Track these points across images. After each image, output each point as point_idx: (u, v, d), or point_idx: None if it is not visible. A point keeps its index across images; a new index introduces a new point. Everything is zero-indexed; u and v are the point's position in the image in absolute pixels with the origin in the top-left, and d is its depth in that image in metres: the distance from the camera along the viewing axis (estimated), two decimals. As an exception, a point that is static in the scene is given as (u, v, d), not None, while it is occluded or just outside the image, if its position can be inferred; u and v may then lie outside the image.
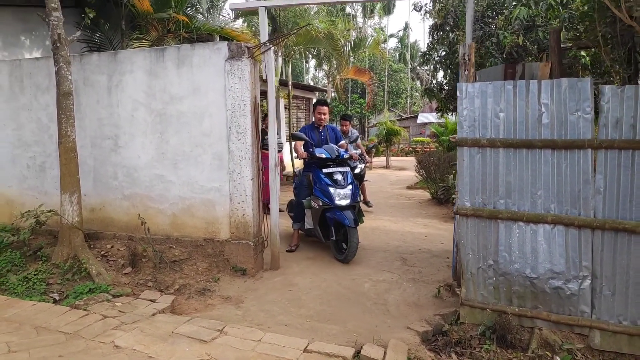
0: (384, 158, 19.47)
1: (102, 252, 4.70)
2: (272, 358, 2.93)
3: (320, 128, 5.70)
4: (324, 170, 5.18)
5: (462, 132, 3.47)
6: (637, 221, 3.08)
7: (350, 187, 5.11)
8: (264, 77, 4.55)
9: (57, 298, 3.90)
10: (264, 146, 7.31)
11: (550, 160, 3.28)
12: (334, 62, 12.88)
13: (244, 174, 4.46)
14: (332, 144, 5.47)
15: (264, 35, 4.40)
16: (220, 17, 9.07)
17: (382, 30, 40.82)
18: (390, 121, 19.58)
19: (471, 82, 3.44)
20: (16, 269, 4.41)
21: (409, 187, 11.93)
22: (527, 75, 3.58)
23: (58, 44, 4.28)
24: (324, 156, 5.24)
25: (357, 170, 7.01)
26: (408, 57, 42.58)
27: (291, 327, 3.48)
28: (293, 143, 5.98)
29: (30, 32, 6.37)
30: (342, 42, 11.59)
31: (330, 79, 13.92)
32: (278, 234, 4.78)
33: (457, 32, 6.93)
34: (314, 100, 15.41)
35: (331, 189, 5.01)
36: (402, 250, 5.68)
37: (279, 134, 8.20)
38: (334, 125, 9.14)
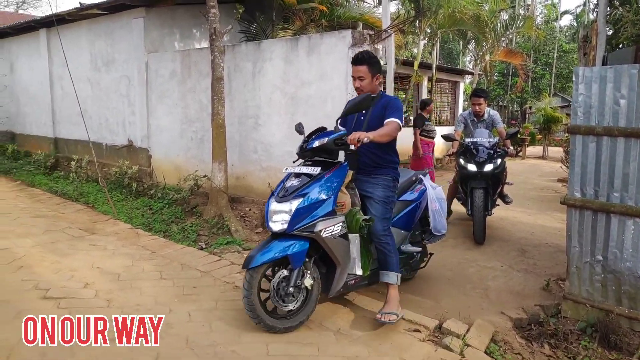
0: (541, 147, 17.88)
1: (242, 214, 5.56)
2: (359, 316, 3.29)
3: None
4: (285, 169, 3.32)
5: (575, 119, 3.28)
6: None
7: (297, 202, 2.94)
8: (383, 63, 4.78)
9: (203, 246, 4.80)
10: (426, 132, 7.40)
11: (680, 152, 2.94)
12: (484, 44, 12.30)
13: (360, 153, 4.81)
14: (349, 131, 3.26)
15: (386, 22, 4.65)
16: (365, 4, 9.41)
17: (554, 7, 36.63)
18: (551, 107, 17.80)
19: (590, 66, 3.22)
20: (177, 220, 5.51)
21: (560, 180, 10.94)
22: (662, 57, 3.20)
23: (214, 36, 5.14)
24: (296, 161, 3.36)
25: (488, 168, 5.17)
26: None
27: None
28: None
29: (200, 26, 7.60)
30: (491, 23, 10.96)
31: (478, 62, 13.31)
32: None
33: (622, 9, 6.16)
34: (462, 84, 14.95)
35: (270, 201, 3.11)
36: (525, 242, 5.45)
37: (429, 120, 8.05)
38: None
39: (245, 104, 5.82)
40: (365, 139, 2.97)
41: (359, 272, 3.23)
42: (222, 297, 3.43)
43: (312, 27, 7.44)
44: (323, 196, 3.02)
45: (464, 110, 13.38)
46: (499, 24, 12.53)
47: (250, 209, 5.65)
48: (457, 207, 6.08)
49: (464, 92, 15.25)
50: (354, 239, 3.21)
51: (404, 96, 13.93)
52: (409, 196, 3.72)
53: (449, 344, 2.92)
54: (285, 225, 2.95)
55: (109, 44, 7.76)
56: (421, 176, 3.95)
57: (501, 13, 13.35)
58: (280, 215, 2.99)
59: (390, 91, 4.96)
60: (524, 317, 3.48)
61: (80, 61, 8.15)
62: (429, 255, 4.13)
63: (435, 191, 3.86)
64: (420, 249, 3.86)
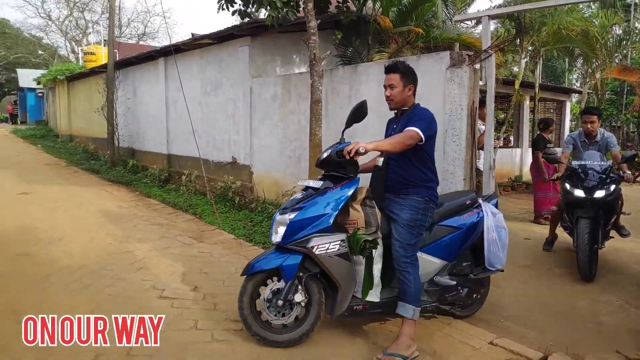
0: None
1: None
2: (456, 341, 3.21)
3: (397, 116, 3.33)
4: (300, 182, 3.43)
5: None
6: None
7: (293, 215, 2.97)
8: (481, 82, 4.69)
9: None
10: (547, 155, 6.92)
11: None
12: (594, 61, 11.44)
13: (456, 174, 4.73)
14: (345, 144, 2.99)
15: (486, 43, 4.57)
16: (462, 24, 9.26)
17: (679, 17, 32.96)
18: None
19: None
20: (275, 234, 5.79)
21: (689, 209, 9.71)
22: None
23: (313, 62, 5.41)
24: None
25: (598, 194, 4.61)
26: None
27: (483, 322, 3.61)
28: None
29: (300, 52, 8.02)
30: (602, 39, 10.19)
31: (587, 80, 12.37)
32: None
33: None
34: (568, 104, 13.96)
35: (276, 213, 3.16)
36: (645, 276, 4.92)
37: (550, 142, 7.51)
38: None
39: (341, 125, 5.95)
40: (361, 148, 2.78)
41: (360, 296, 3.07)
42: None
43: (407, 50, 7.49)
44: (320, 211, 2.95)
45: (571, 131, 12.48)
46: (611, 39, 11.58)
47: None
48: (564, 234, 5.67)
49: (571, 111, 14.23)
50: (359, 260, 3.04)
51: (503, 116, 13.35)
52: (453, 222, 3.34)
53: (555, 378, 2.74)
54: (278, 238, 2.98)
55: (217, 70, 8.47)
56: (480, 200, 3.53)
57: (614, 28, 12.35)
58: (280, 228, 2.99)
59: (490, 112, 4.83)
60: (643, 358, 3.16)
61: (192, 86, 8.98)
62: (484, 290, 3.65)
63: (495, 218, 3.41)
64: (454, 282, 3.33)
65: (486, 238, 3.32)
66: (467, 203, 3.44)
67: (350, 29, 8.11)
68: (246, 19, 6.75)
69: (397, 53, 7.33)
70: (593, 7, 13.99)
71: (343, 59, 8.39)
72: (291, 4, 5.85)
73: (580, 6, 11.49)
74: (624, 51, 14.83)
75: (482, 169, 5.91)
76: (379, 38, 8.06)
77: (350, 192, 3.01)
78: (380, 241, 3.06)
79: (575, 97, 18.32)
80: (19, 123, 31.89)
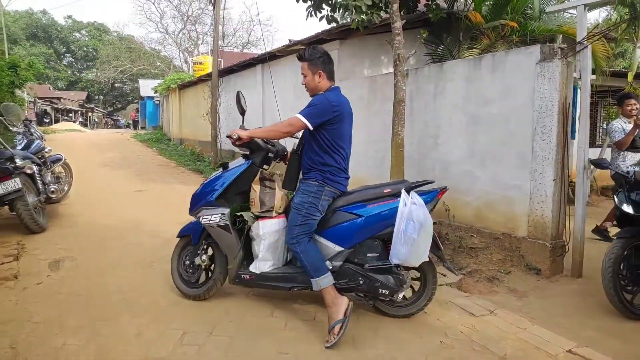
0: None
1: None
2: (530, 346, 3.08)
3: None
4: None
5: None
6: None
7: (197, 189, 3.68)
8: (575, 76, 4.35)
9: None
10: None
11: None
12: None
13: (545, 174, 4.47)
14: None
15: (581, 34, 4.25)
16: (565, 14, 8.59)
17: None
18: None
19: None
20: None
21: None
22: None
23: (397, 62, 5.45)
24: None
25: None
26: None
27: (567, 330, 3.40)
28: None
29: (387, 52, 8.02)
30: None
31: None
32: (582, 240, 4.51)
33: None
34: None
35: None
36: None
37: None
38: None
39: (425, 124, 5.95)
40: (234, 135, 3.19)
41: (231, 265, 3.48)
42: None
43: (501, 45, 7.17)
44: (209, 188, 3.53)
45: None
46: None
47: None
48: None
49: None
50: (253, 234, 3.41)
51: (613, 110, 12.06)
52: (356, 209, 3.22)
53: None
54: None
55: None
56: (404, 190, 3.17)
57: None
58: None
59: (586, 107, 4.49)
60: None
61: (286, 91, 9.45)
62: (412, 290, 3.49)
63: (411, 208, 3.06)
64: (330, 267, 3.20)
65: (396, 229, 3.07)
66: (385, 192, 3.25)
67: (439, 26, 7.95)
68: (333, 24, 6.95)
69: (488, 48, 7.06)
70: None
71: (433, 57, 8.26)
72: (377, 6, 5.92)
73: None
74: None
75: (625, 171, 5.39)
76: (470, 34, 7.82)
77: (237, 174, 3.47)
78: (271, 221, 3.39)
79: None
80: (139, 128, 35.64)
